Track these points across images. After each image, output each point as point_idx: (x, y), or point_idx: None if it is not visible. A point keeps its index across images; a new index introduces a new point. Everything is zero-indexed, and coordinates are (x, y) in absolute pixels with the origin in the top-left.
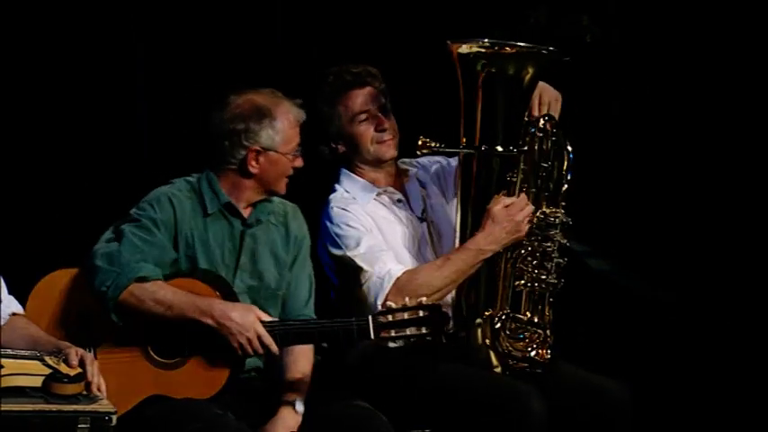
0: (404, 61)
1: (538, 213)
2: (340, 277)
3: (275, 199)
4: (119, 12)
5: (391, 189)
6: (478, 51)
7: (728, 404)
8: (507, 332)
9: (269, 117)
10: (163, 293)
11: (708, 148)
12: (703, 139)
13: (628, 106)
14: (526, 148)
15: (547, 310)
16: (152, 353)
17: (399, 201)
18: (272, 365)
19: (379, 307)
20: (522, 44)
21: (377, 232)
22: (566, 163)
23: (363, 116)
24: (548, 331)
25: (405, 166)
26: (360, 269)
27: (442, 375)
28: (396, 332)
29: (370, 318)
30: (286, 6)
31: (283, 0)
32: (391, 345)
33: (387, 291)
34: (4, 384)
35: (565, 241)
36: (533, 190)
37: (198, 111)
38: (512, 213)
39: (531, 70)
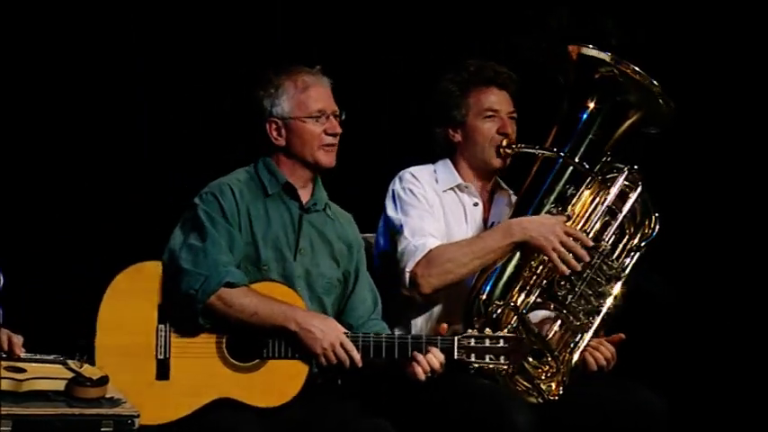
0: (406, 62)
1: (606, 255)
2: (385, 238)
3: (332, 204)
4: (119, 11)
5: (473, 189)
6: (602, 60)
7: (728, 404)
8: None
9: (274, 86)
10: (248, 300)
11: (707, 148)
12: (704, 137)
13: None
14: (599, 174)
15: (567, 351)
16: (227, 354)
17: (476, 204)
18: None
19: (407, 274)
20: (647, 76)
21: (439, 215)
22: (649, 230)
23: (492, 114)
24: (563, 369)
25: (504, 186)
26: (401, 234)
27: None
28: (476, 357)
29: (455, 339)
30: (286, 6)
31: (283, 0)
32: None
33: (417, 260)
34: (26, 388)
35: (614, 293)
36: (596, 219)
37: (198, 111)
38: (568, 233)
39: (640, 109)
